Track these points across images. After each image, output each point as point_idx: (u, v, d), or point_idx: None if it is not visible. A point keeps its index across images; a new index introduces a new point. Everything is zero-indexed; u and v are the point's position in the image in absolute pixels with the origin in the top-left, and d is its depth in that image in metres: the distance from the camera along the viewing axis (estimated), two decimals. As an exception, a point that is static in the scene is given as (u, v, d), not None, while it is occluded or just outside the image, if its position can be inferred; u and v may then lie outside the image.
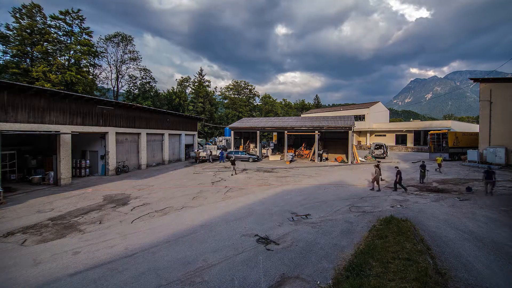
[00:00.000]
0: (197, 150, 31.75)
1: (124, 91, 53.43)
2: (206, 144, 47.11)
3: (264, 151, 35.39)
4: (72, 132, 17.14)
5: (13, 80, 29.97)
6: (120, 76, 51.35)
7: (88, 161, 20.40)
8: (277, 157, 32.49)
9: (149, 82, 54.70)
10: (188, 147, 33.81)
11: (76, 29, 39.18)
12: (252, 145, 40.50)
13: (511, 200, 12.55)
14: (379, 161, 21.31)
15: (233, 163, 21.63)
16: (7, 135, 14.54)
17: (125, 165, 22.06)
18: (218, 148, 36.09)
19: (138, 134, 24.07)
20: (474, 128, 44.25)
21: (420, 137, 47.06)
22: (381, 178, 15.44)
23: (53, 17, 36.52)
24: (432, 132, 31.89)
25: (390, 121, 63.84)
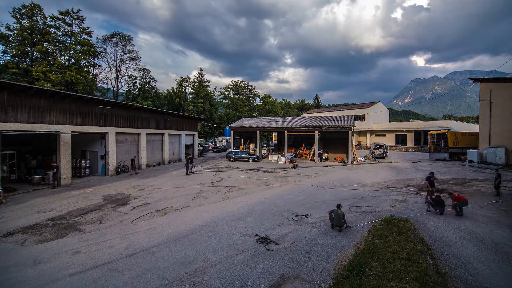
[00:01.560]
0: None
1: (123, 91, 53.46)
2: (206, 144, 47.10)
3: (264, 151, 35.38)
4: (72, 132, 17.14)
5: (13, 80, 29.94)
6: (119, 76, 51.41)
7: (88, 161, 20.39)
8: (277, 157, 32.47)
9: (149, 82, 54.70)
10: (188, 147, 33.78)
11: (76, 29, 39.29)
12: (252, 145, 40.47)
13: (511, 200, 12.54)
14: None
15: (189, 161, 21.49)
16: (7, 135, 14.55)
17: (125, 165, 22.06)
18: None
19: (138, 134, 24.06)
20: (474, 128, 44.21)
21: (420, 137, 47.05)
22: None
23: (53, 17, 36.54)
24: (432, 132, 31.87)
25: (390, 121, 63.84)
